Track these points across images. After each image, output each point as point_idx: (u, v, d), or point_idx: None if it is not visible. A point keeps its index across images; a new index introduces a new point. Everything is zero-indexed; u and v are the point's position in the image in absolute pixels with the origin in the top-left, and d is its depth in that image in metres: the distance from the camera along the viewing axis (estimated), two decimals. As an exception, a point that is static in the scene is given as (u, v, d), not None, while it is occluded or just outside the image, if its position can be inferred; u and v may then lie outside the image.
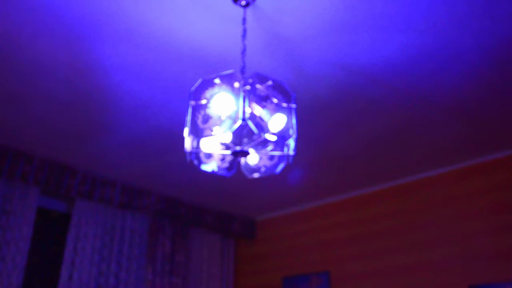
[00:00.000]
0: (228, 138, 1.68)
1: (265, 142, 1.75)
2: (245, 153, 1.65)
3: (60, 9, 1.95)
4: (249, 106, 1.52)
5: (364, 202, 3.92)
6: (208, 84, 1.57)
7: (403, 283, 3.45)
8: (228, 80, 1.56)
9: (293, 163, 3.43)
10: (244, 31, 1.82)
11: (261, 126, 1.53)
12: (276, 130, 1.57)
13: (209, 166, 1.77)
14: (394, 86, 2.48)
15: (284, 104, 1.60)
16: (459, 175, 3.43)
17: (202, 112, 1.54)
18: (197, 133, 1.53)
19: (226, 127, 1.50)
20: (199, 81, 1.58)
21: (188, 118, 1.56)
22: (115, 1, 1.90)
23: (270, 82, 1.59)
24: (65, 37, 2.12)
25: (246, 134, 1.72)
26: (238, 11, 1.95)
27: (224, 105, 1.53)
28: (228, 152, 1.69)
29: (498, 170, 3.25)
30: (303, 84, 2.47)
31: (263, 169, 1.77)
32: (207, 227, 4.35)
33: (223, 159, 1.79)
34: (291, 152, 1.67)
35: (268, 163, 1.77)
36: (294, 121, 1.61)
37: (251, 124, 1.48)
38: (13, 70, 2.37)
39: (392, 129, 2.94)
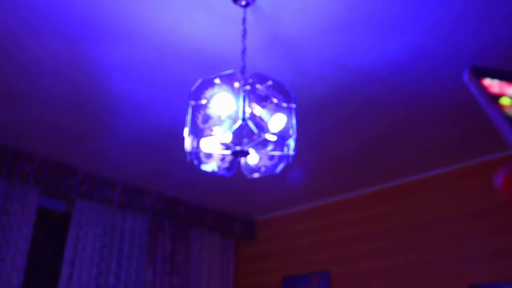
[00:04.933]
0: (228, 138, 1.68)
1: (265, 142, 1.75)
2: (245, 153, 1.65)
3: (60, 9, 1.95)
4: (249, 106, 1.52)
5: (364, 202, 3.92)
6: (208, 84, 1.57)
7: (403, 283, 3.45)
8: (228, 80, 1.56)
9: (293, 163, 3.43)
10: (244, 31, 1.82)
11: (261, 126, 1.53)
12: (276, 130, 1.57)
13: (209, 166, 1.77)
14: (394, 86, 2.48)
15: (284, 104, 1.60)
16: (459, 175, 3.43)
17: (202, 112, 1.54)
18: (197, 133, 1.53)
19: (226, 127, 1.50)
20: (199, 81, 1.58)
21: (188, 118, 1.56)
22: (115, 1, 1.90)
23: (270, 82, 1.59)
24: (65, 37, 2.12)
25: (246, 134, 1.72)
26: (238, 11, 1.95)
27: (224, 105, 1.53)
28: (228, 152, 1.69)
29: (497, 170, 3.25)
30: (303, 84, 2.47)
31: (263, 169, 1.77)
32: (207, 227, 4.35)
33: (223, 159, 1.79)
34: (291, 152, 1.67)
35: (268, 163, 1.77)
36: (294, 121, 1.61)
37: (251, 124, 1.48)
38: (13, 70, 2.37)
39: (392, 129, 2.94)
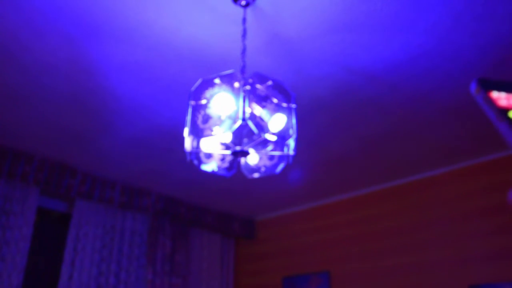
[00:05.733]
0: (228, 138, 1.68)
1: (265, 142, 1.75)
2: (245, 153, 1.65)
3: (61, 9, 1.95)
4: (249, 106, 1.52)
5: (364, 202, 3.92)
6: (208, 84, 1.57)
7: (403, 283, 3.45)
8: (228, 80, 1.56)
9: (293, 163, 3.43)
10: (244, 31, 1.83)
11: (261, 126, 1.53)
12: (276, 130, 1.57)
13: (209, 166, 1.77)
14: (394, 86, 2.48)
15: (284, 104, 1.60)
16: (458, 175, 3.43)
17: (202, 112, 1.54)
18: (197, 133, 1.53)
19: (226, 127, 1.50)
20: (199, 81, 1.58)
21: (188, 118, 1.56)
22: (115, 1, 1.90)
23: (270, 82, 1.59)
24: (65, 37, 2.12)
25: (246, 134, 1.72)
26: (238, 11, 1.95)
27: (224, 105, 1.53)
28: (228, 152, 1.69)
29: (497, 170, 3.25)
30: (303, 84, 2.47)
31: (263, 169, 1.77)
32: (207, 227, 4.35)
33: (223, 159, 1.79)
34: (291, 152, 1.67)
35: (268, 163, 1.77)
36: (294, 121, 1.61)
37: (251, 124, 1.48)
38: (13, 70, 2.37)
39: (392, 129, 2.94)
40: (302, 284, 4.06)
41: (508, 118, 0.33)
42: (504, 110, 0.33)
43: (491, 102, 0.34)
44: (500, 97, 0.34)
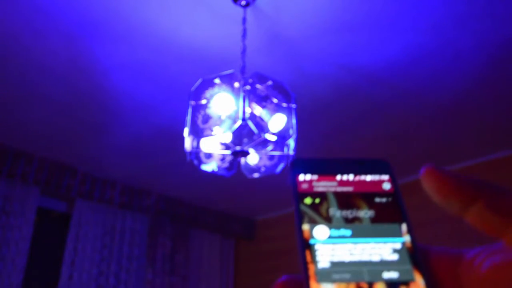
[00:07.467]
0: (228, 138, 1.68)
1: (265, 142, 1.75)
2: (245, 153, 1.65)
3: (60, 9, 1.95)
4: (249, 106, 1.52)
5: (364, 202, 3.92)
6: (208, 84, 1.57)
7: (403, 283, 3.45)
8: (228, 80, 1.56)
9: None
10: (244, 31, 1.83)
11: (261, 126, 1.53)
12: (276, 130, 1.57)
13: (209, 166, 1.77)
14: (394, 86, 2.48)
15: (284, 104, 1.60)
16: (459, 175, 3.43)
17: (202, 112, 1.54)
18: (197, 133, 1.53)
19: (226, 127, 1.50)
20: (199, 81, 1.58)
21: (188, 118, 1.56)
22: (115, 1, 1.90)
23: (270, 82, 1.59)
24: (65, 37, 2.12)
25: (246, 134, 1.72)
26: (238, 11, 1.95)
27: (224, 105, 1.53)
28: (228, 152, 1.70)
29: (498, 170, 3.25)
30: (303, 84, 2.47)
31: (263, 169, 1.78)
32: (207, 227, 4.35)
33: (223, 159, 1.79)
34: (291, 152, 1.67)
35: (268, 163, 1.77)
36: (294, 121, 1.61)
37: (251, 124, 1.48)
38: (13, 70, 2.37)
39: (392, 128, 2.94)
40: (302, 284, 4.06)
41: (301, 203, 0.31)
42: (302, 195, 0.32)
43: (294, 185, 0.33)
44: (306, 180, 0.32)
